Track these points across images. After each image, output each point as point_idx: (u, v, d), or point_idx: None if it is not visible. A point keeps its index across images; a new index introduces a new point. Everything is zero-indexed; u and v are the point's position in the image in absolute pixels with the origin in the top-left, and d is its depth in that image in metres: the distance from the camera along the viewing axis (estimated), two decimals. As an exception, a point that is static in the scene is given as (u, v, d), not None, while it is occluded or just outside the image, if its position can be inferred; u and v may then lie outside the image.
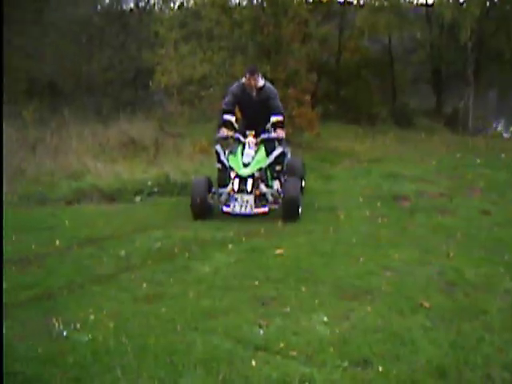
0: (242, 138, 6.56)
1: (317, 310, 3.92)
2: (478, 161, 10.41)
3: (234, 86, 6.77)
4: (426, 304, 4.00)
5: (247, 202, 6.11)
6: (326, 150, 10.95)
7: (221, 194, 6.34)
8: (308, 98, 11.12)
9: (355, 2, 17.69)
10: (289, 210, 6.19)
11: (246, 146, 6.42)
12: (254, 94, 6.62)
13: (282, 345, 3.38)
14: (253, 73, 6.51)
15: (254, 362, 3.14)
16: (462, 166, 9.87)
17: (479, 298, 4.17)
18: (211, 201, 6.37)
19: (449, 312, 3.92)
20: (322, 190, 7.84)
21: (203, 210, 6.28)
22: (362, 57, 17.54)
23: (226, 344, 3.35)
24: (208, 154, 10.57)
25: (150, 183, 7.90)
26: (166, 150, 10.23)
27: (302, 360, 3.23)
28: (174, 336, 3.45)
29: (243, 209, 6.10)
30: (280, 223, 6.10)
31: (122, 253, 5.09)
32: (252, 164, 6.27)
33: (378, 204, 6.82)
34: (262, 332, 3.54)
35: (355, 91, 16.86)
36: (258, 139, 6.55)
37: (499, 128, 18.65)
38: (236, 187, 6.19)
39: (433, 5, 16.43)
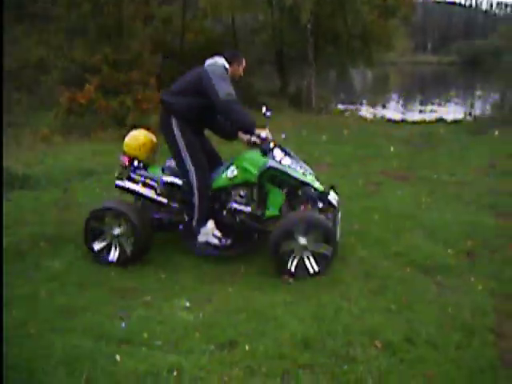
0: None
1: (179, 295, 3.91)
2: (324, 137, 10.92)
3: (224, 71, 4.50)
4: (290, 280, 4.15)
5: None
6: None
7: None
8: (153, 80, 10.89)
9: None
10: None
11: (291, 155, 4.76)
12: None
13: (145, 335, 3.32)
14: (241, 60, 4.81)
15: (118, 357, 3.05)
16: (309, 143, 10.26)
17: (335, 269, 4.40)
18: None
19: (308, 286, 4.09)
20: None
21: None
22: (206, 38, 17.53)
23: (87, 342, 3.22)
24: (51, 143, 10.04)
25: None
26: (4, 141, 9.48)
27: (168, 349, 3.20)
28: (29, 341, 3.24)
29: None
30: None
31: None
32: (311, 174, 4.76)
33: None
34: (123, 325, 3.45)
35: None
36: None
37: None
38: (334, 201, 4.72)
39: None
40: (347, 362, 3.09)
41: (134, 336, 3.32)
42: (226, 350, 3.20)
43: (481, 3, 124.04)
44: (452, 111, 18.08)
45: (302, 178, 4.53)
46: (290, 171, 4.50)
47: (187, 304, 3.76)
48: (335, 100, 21.51)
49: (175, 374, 2.93)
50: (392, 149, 9.50)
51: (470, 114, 15.61)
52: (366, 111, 18.94)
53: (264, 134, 4.50)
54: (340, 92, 26.00)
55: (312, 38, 15.98)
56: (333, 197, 4.69)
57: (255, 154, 4.57)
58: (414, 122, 14.91)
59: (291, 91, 18.75)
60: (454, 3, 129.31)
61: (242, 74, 4.86)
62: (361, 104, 22.24)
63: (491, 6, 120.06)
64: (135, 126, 9.80)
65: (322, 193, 4.63)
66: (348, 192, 6.50)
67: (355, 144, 10.27)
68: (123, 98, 10.04)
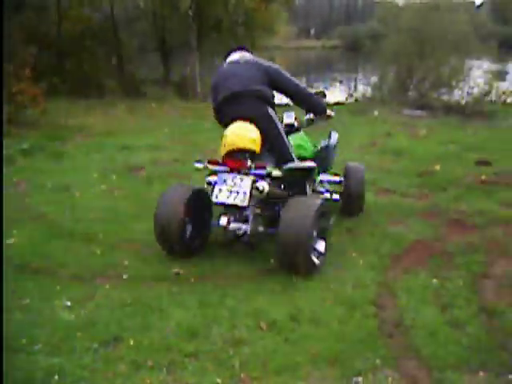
0: None
1: (59, 295, 3.73)
2: (206, 125, 10.88)
3: None
4: (181, 271, 4.08)
5: None
6: (55, 126, 10.32)
7: None
8: (28, 72, 10.32)
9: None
10: None
11: None
12: None
13: (24, 341, 3.14)
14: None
15: (-9, 367, 2.86)
16: (194, 131, 10.21)
17: (220, 255, 4.41)
18: None
19: (193, 275, 4.05)
20: (53, 168, 7.38)
21: None
22: (84, 27, 16.86)
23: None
24: None
25: None
26: None
27: (47, 352, 3.05)
28: None
29: None
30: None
31: None
32: None
33: (114, 177, 6.71)
34: (-2, 332, 3.24)
35: (80, 63, 16.18)
36: None
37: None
38: None
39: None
40: (233, 346, 3.09)
41: (10, 342, 3.13)
42: (110, 347, 3.10)
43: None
44: (336, 94, 18.65)
45: None
46: None
47: (68, 303, 3.60)
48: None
49: (56, 377, 2.80)
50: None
51: (351, 96, 16.20)
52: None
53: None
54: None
55: (194, 24, 15.85)
56: None
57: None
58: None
59: (175, 79, 18.51)
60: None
61: None
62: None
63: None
64: (10, 121, 9.44)
65: None
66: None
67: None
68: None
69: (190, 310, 3.50)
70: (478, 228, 5.07)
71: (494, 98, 14.90)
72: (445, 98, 14.96)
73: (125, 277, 4.04)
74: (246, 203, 4.01)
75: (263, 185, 4.02)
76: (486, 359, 2.99)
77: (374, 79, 17.16)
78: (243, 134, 4.20)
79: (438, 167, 7.21)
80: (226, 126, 4.40)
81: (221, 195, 4.06)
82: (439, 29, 14.94)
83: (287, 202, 4.12)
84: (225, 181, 4.10)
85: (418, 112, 13.17)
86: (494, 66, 30.81)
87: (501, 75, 24.33)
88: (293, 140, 4.85)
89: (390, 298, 3.72)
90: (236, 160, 4.17)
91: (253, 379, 2.83)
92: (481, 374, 2.87)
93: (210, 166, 4.29)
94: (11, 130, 9.42)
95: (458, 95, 14.89)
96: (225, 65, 4.66)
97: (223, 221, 4.07)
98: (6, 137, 9.08)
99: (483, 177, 6.72)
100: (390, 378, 2.83)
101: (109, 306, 3.57)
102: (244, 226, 4.15)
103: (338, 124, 10.78)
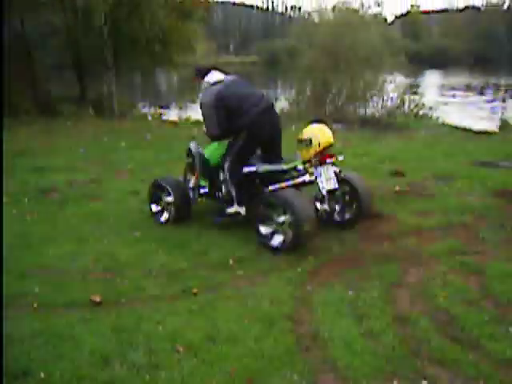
0: None
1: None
2: (123, 143, 10.71)
3: None
4: (97, 298, 3.94)
5: None
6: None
7: None
8: None
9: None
10: None
11: None
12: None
13: None
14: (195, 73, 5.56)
15: None
16: (110, 149, 10.00)
17: (128, 276, 4.32)
18: None
19: (109, 298, 3.95)
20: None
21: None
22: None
23: None
24: None
25: None
26: None
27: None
28: None
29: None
30: None
31: None
32: None
33: (26, 200, 6.45)
34: None
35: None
36: None
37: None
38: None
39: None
40: (149, 372, 3.02)
41: None
42: (18, 382, 2.95)
43: (277, 6, 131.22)
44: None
45: None
46: None
47: (-27, 336, 3.41)
48: (140, 104, 21.25)
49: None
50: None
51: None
52: (172, 114, 18.94)
53: None
54: (146, 96, 25.79)
55: (110, 41, 15.59)
56: None
57: None
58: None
59: (92, 97, 18.11)
60: (252, 6, 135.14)
61: None
62: (168, 107, 22.23)
63: (286, 8, 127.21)
64: None
65: None
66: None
67: (157, 148, 10.22)
68: None
69: (104, 336, 3.40)
70: (391, 238, 5.22)
71: (406, 111, 15.53)
72: (361, 111, 15.44)
73: (35, 305, 3.87)
74: (337, 185, 5.10)
75: (337, 169, 5.17)
76: (400, 367, 3.07)
77: (291, 94, 17.46)
78: (330, 133, 5.09)
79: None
80: (259, 135, 5.19)
81: (327, 185, 5.00)
82: (352, 44, 15.40)
83: None
84: (321, 174, 4.99)
85: (335, 126, 13.50)
86: (407, 80, 32.19)
87: (412, 89, 25.38)
88: None
89: (307, 312, 3.76)
90: (331, 154, 5.10)
91: (169, 404, 2.77)
92: (395, 382, 2.94)
93: (307, 165, 5.07)
94: None
95: (373, 109, 15.41)
96: (225, 85, 5.25)
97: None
98: None
99: (397, 187, 6.94)
100: (306, 394, 2.85)
101: (18, 338, 3.40)
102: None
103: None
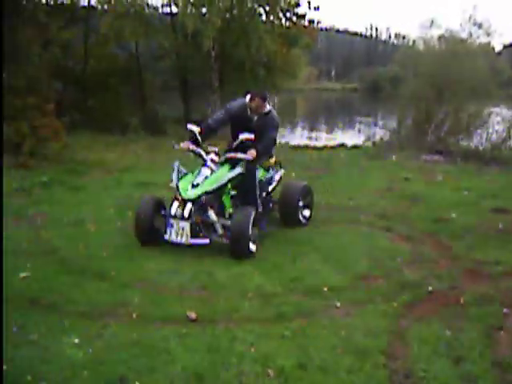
0: (203, 155, 5.81)
1: (67, 332, 3.72)
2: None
3: (235, 104, 6.14)
4: (193, 315, 4.03)
5: (182, 229, 5.32)
6: (75, 161, 10.48)
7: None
8: (51, 107, 10.55)
9: (99, 7, 17.15)
10: (235, 245, 5.30)
11: (205, 165, 5.70)
12: (255, 118, 6.05)
13: (29, 377, 3.13)
14: (253, 97, 5.95)
15: (-5, 404, 2.84)
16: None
17: (230, 297, 4.39)
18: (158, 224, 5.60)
19: (205, 316, 4.03)
20: (70, 202, 7.45)
21: (148, 234, 5.58)
22: (109, 64, 17.25)
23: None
24: None
25: None
26: None
27: (53, 390, 3.03)
28: None
29: (179, 237, 5.34)
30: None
31: None
32: (201, 185, 5.45)
33: (130, 214, 6.74)
34: (5, 368, 3.22)
35: (104, 99, 16.47)
36: (222, 158, 5.84)
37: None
38: (173, 211, 5.41)
39: (177, 14, 16.76)
40: (240, 393, 3.05)
41: (15, 379, 3.12)
42: (114, 389, 3.08)
43: (380, 34, 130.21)
44: (353, 137, 18.76)
45: None
46: None
47: (76, 340, 3.59)
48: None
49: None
50: (293, 174, 9.69)
51: (369, 139, 16.25)
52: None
53: None
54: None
55: (216, 64, 16.12)
56: None
57: None
58: (315, 148, 15.30)
59: (196, 118, 18.72)
60: (356, 33, 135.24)
61: (254, 108, 5.99)
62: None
63: (390, 36, 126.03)
64: (31, 154, 9.61)
65: None
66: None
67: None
68: (18, 124, 9.67)
69: (198, 352, 3.47)
70: (493, 278, 4.99)
71: (512, 145, 14.87)
72: (464, 143, 14.94)
73: (134, 316, 4.03)
74: None
75: None
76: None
77: (392, 123, 17.22)
78: None
79: (454, 214, 7.14)
80: None
81: None
82: (457, 74, 15.01)
83: None
84: None
85: (436, 157, 13.14)
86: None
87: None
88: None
89: (402, 347, 3.66)
90: None
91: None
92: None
93: None
94: (32, 163, 9.59)
95: (477, 141, 14.87)
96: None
97: None
98: (26, 169, 9.25)
99: (500, 225, 6.64)
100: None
101: (117, 346, 3.55)
102: None
103: (354, 168, 10.87)
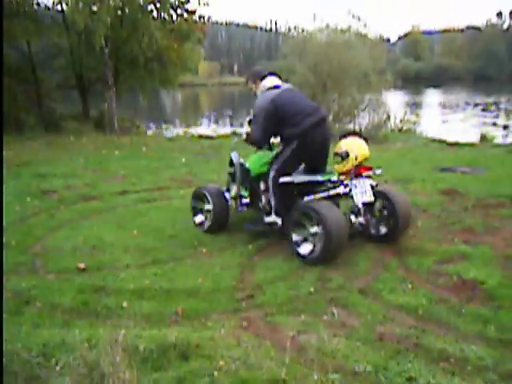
0: None
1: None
2: (117, 152, 11.74)
3: None
4: (82, 265, 4.81)
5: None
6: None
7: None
8: None
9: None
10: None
11: None
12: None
13: None
14: (246, 78, 5.64)
15: None
16: (107, 160, 10.94)
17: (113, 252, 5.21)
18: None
19: (93, 266, 4.84)
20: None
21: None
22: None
23: None
24: None
25: None
26: None
27: None
28: None
29: None
30: None
31: None
32: None
33: (28, 199, 7.34)
34: None
35: (-3, 99, 16.50)
36: None
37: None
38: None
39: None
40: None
41: None
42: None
43: (280, 27, 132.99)
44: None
45: None
46: None
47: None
48: (144, 122, 22.39)
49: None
50: (184, 160, 10.54)
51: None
52: (178, 130, 20.21)
53: None
54: (152, 113, 27.06)
55: (110, 61, 16.60)
56: None
57: None
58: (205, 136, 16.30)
59: (94, 114, 19.15)
60: (256, 27, 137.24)
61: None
62: (171, 123, 23.59)
63: (289, 29, 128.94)
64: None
65: None
66: (137, 197, 7.38)
67: (150, 158, 11.22)
68: None
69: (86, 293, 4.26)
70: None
71: (392, 126, 16.55)
72: (349, 126, 16.34)
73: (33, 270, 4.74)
74: (373, 198, 5.10)
75: (374, 182, 5.23)
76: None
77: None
78: (366, 146, 5.20)
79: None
80: (309, 147, 5.08)
81: (363, 197, 5.02)
82: (337, 64, 16.37)
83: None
84: (356, 186, 5.03)
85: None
86: (405, 98, 33.65)
87: (409, 106, 26.46)
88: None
89: (251, 275, 4.59)
90: (367, 166, 5.19)
91: None
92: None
93: (342, 177, 5.12)
94: None
95: (363, 124, 16.34)
96: (282, 91, 5.20)
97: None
98: None
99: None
100: None
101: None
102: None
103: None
